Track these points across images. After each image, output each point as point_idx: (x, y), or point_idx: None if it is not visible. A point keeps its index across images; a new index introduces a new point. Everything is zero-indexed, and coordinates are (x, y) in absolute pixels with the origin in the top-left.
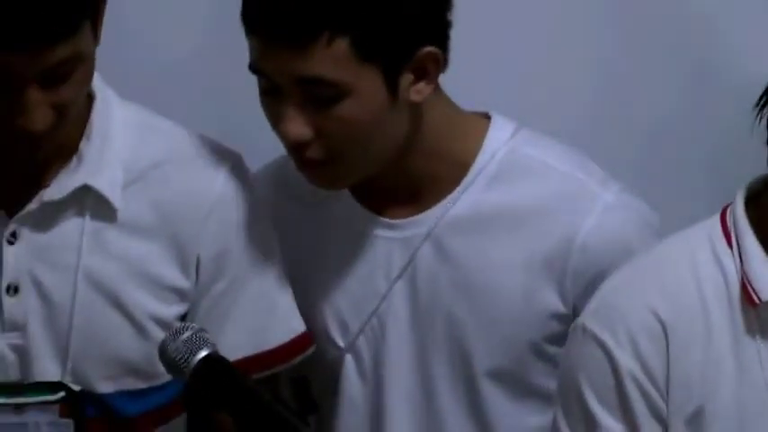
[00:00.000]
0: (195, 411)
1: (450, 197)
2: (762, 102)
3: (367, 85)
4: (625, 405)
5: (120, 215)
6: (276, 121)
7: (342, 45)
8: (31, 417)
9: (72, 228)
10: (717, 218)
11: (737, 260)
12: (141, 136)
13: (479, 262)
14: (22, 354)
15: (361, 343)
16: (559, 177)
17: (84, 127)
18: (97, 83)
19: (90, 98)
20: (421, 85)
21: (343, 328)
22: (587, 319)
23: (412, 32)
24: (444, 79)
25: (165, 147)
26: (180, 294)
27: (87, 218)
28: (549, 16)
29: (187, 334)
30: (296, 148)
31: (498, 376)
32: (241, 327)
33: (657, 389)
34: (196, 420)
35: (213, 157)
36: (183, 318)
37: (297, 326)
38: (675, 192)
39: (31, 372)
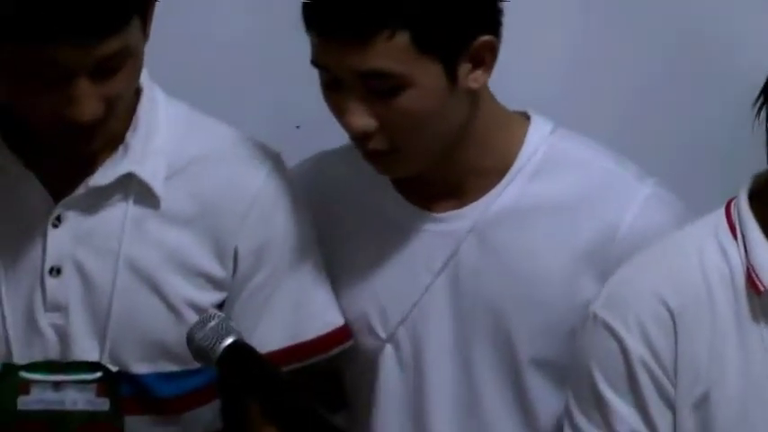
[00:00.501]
0: (228, 397)
1: (493, 191)
2: (759, 102)
3: (427, 76)
4: (636, 390)
5: (161, 204)
6: (340, 113)
7: (402, 38)
8: (68, 394)
9: (115, 214)
10: (722, 211)
11: (742, 251)
12: (185, 131)
13: (523, 253)
14: (63, 334)
15: (401, 333)
16: (599, 171)
17: (131, 120)
18: (145, 79)
19: (137, 92)
20: (478, 73)
21: (384, 318)
22: (598, 307)
23: (468, 23)
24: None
25: (207, 143)
26: (215, 283)
27: (130, 205)
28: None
29: (213, 323)
30: (360, 139)
31: (541, 363)
32: (279, 319)
33: (666, 374)
34: (229, 406)
35: (254, 154)
36: (219, 306)
37: (334, 319)
38: (683, 187)
39: (70, 351)
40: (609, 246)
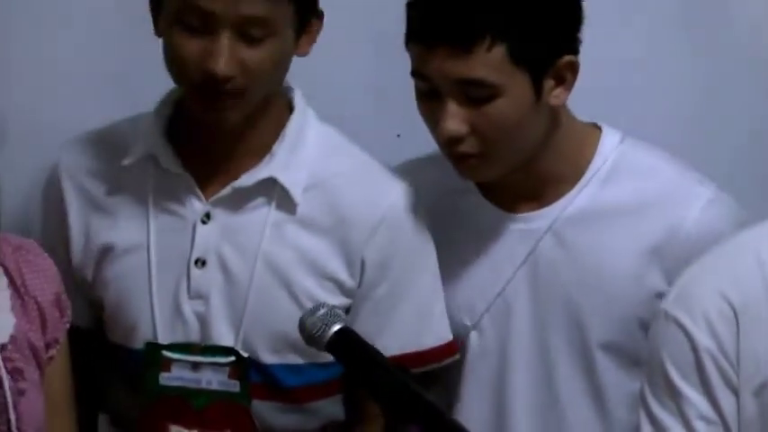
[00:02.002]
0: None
1: (569, 194)
2: None
3: (517, 88)
4: (703, 378)
5: (299, 211)
6: (434, 120)
7: (499, 51)
8: (204, 374)
9: (258, 216)
10: None
11: None
12: (329, 151)
13: (595, 250)
14: (203, 320)
15: (486, 321)
16: (665, 177)
17: (281, 132)
18: (299, 100)
19: (290, 110)
20: (559, 90)
21: (470, 308)
22: (669, 305)
23: (556, 43)
24: None
25: (347, 163)
26: (342, 288)
27: (272, 209)
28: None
29: (323, 311)
30: (451, 143)
31: (610, 348)
32: (400, 328)
33: (730, 363)
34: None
35: (387, 177)
36: (345, 311)
37: (447, 334)
38: (746, 193)
39: (208, 336)
40: (673, 244)
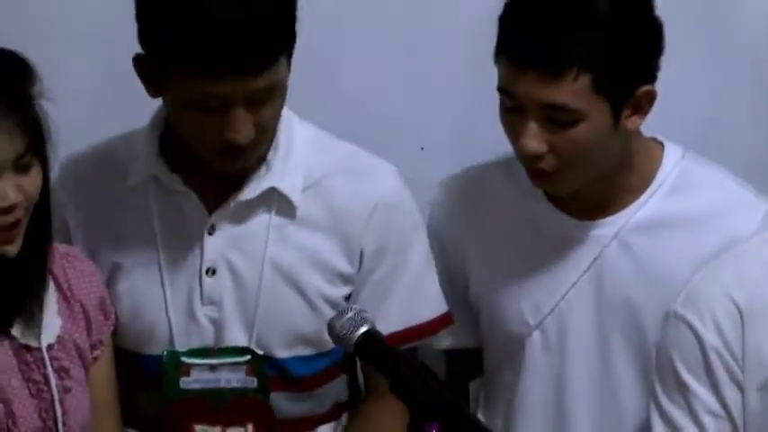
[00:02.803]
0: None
1: (634, 204)
2: None
3: (597, 115)
4: (711, 374)
5: (298, 213)
6: (516, 136)
7: (585, 80)
8: (223, 374)
9: (260, 223)
10: None
11: None
12: (316, 150)
13: (658, 258)
14: (217, 324)
15: (549, 322)
16: (724, 191)
17: (273, 141)
18: (284, 109)
19: None
20: (635, 117)
21: (535, 309)
22: (679, 306)
23: (637, 74)
24: None
25: (334, 159)
26: (345, 279)
27: (273, 215)
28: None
29: (350, 314)
30: (531, 160)
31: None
32: (396, 306)
33: (736, 361)
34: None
35: (372, 167)
36: (347, 298)
37: (441, 306)
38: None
39: (223, 339)
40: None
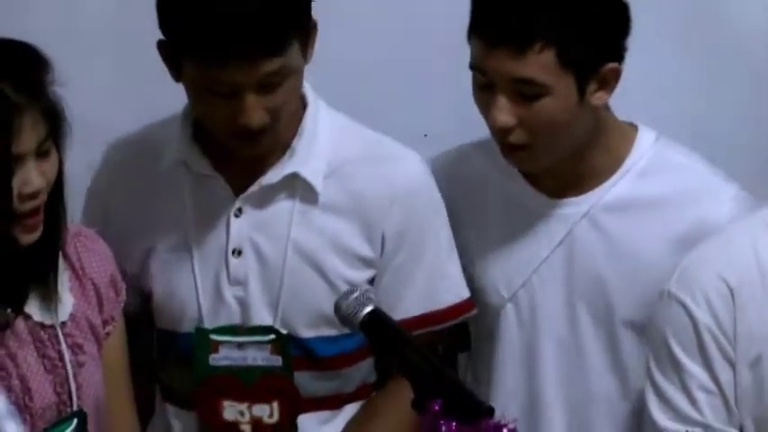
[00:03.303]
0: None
1: (605, 184)
2: None
3: (563, 88)
4: (703, 352)
5: (321, 198)
6: (488, 110)
7: (550, 54)
8: (249, 352)
9: (284, 207)
10: None
11: None
12: (341, 137)
13: (627, 236)
14: (243, 304)
15: (521, 295)
16: (694, 174)
17: (297, 128)
18: (309, 93)
19: (304, 105)
20: (601, 93)
21: (508, 282)
22: (672, 285)
23: (602, 51)
24: None
25: (359, 146)
26: (366, 263)
27: (297, 200)
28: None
29: (356, 294)
30: (501, 133)
31: (633, 325)
32: (418, 290)
33: (728, 339)
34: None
35: (395, 153)
36: (370, 281)
37: (462, 291)
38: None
39: (249, 318)
40: (700, 233)
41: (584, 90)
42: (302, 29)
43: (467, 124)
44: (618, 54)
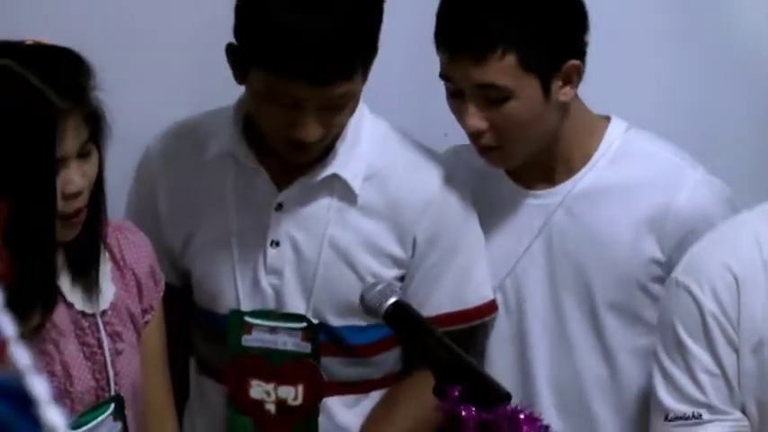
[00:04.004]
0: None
1: (578, 174)
2: None
3: (528, 90)
4: (708, 336)
5: (358, 200)
6: (460, 116)
7: (511, 59)
8: (280, 337)
9: (323, 205)
10: None
11: None
12: (382, 144)
13: (600, 221)
14: (278, 292)
15: (507, 284)
16: (660, 161)
17: (342, 131)
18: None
19: None
20: (567, 89)
21: (494, 272)
22: (679, 274)
23: (561, 50)
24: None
25: (397, 154)
26: (397, 262)
27: (335, 199)
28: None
29: (381, 286)
30: (475, 137)
31: (615, 307)
32: (446, 291)
33: (731, 324)
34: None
35: (432, 164)
36: (399, 279)
37: (488, 293)
38: (734, 182)
39: (283, 305)
40: (665, 219)
41: (548, 89)
42: (371, 57)
43: None
44: (578, 50)
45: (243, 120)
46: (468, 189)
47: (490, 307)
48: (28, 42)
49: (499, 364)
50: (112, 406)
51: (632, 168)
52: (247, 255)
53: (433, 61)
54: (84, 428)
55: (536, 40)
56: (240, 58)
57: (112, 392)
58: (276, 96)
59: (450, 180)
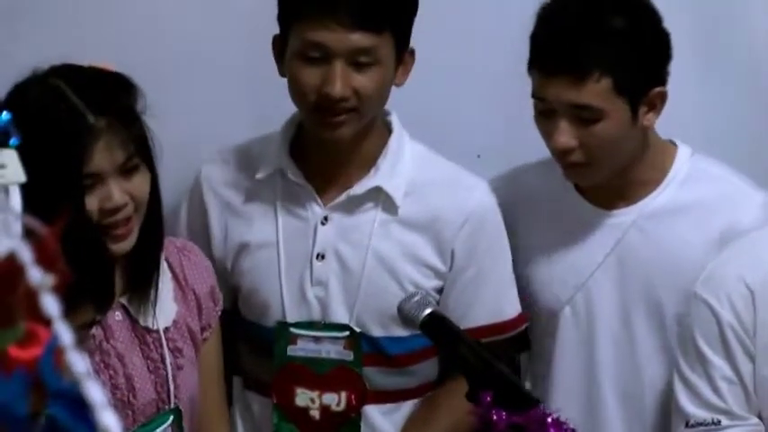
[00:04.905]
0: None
1: (651, 195)
2: None
3: (618, 112)
4: (726, 346)
5: (401, 212)
6: (550, 134)
7: (606, 82)
8: (324, 346)
9: (367, 217)
10: None
11: None
12: (422, 163)
13: (672, 241)
14: (323, 302)
15: (578, 298)
16: (728, 183)
17: (383, 149)
18: (395, 120)
19: (389, 131)
20: (650, 114)
21: (566, 287)
22: (699, 288)
23: (650, 77)
24: None
25: (437, 172)
26: (436, 273)
27: (379, 212)
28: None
29: (417, 298)
30: (563, 155)
31: (680, 317)
32: (484, 304)
33: (748, 335)
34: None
35: (469, 182)
36: (439, 291)
37: (518, 308)
38: None
39: (327, 315)
40: (732, 236)
41: (636, 113)
42: (399, 23)
43: (516, 146)
44: (663, 78)
45: (290, 142)
46: (499, 208)
47: (523, 318)
48: (85, 66)
49: (566, 373)
50: (171, 418)
51: (701, 191)
52: (294, 267)
53: (469, 84)
54: None
55: (630, 65)
56: (282, 34)
57: (172, 405)
58: (308, 49)
59: (486, 198)
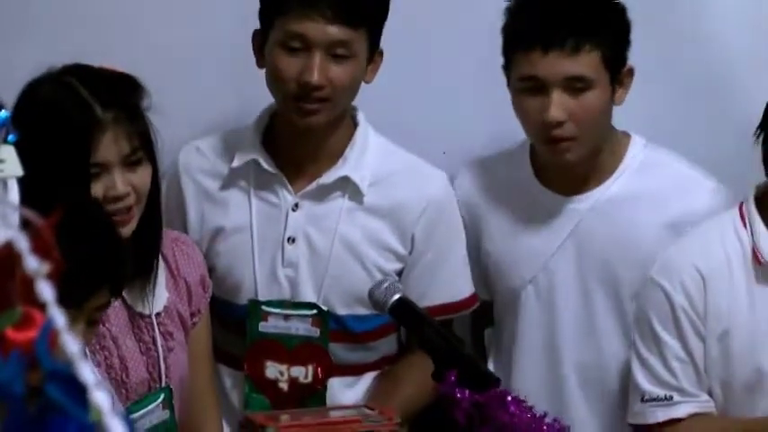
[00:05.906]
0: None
1: (607, 182)
2: (758, 131)
3: (603, 84)
4: (678, 328)
5: (365, 201)
6: (539, 111)
7: (596, 54)
8: (293, 324)
9: (335, 205)
10: (736, 210)
11: (749, 235)
12: (384, 154)
13: (626, 225)
14: (292, 283)
15: (540, 278)
16: (680, 171)
17: (350, 141)
18: (360, 115)
19: (356, 124)
20: (621, 91)
21: (529, 267)
22: (654, 273)
23: (624, 53)
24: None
25: (399, 164)
26: (397, 257)
27: (346, 200)
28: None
29: (386, 284)
30: (554, 127)
31: (637, 298)
32: (442, 285)
33: (699, 317)
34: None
35: (429, 173)
36: (399, 273)
37: (471, 288)
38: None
39: (296, 294)
40: (685, 222)
41: (614, 87)
42: (372, 27)
43: (479, 144)
44: (626, 58)
45: (263, 133)
46: (452, 195)
47: (474, 299)
48: (95, 66)
49: (529, 349)
50: (162, 396)
51: (656, 177)
52: (266, 250)
53: (437, 84)
54: (137, 414)
55: (614, 40)
56: (262, 28)
57: (163, 384)
58: (289, 40)
59: (445, 187)
